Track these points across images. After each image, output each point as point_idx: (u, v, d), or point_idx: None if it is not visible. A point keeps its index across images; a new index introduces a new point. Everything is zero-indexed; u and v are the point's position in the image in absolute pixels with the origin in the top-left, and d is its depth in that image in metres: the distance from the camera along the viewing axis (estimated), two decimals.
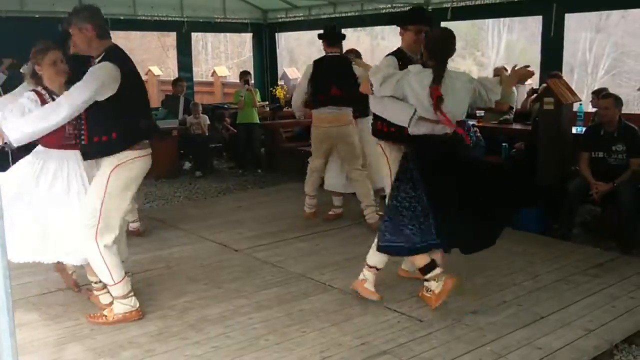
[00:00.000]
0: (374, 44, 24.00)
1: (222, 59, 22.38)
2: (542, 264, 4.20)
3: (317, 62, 5.11)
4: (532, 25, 17.97)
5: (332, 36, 5.06)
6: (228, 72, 13.14)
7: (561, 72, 6.34)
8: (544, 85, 5.45)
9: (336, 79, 4.92)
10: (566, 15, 6.36)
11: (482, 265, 4.16)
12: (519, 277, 3.97)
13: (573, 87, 5.46)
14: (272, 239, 4.87)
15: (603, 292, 3.70)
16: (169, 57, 18.90)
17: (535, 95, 6.25)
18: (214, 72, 12.48)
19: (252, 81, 8.67)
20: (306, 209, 5.45)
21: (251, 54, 11.01)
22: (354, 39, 24.77)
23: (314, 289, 3.85)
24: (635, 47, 18.02)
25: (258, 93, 8.39)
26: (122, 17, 8.19)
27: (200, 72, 18.41)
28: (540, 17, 6.61)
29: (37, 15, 7.19)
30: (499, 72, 6.75)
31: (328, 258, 4.43)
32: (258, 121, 8.12)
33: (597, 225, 5.00)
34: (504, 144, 6.14)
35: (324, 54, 5.12)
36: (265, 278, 4.04)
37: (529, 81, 7.89)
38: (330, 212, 5.42)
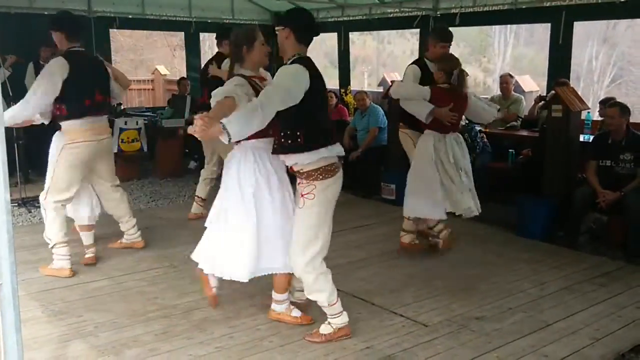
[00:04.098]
0: (380, 48, 24.03)
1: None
2: (548, 272, 4.18)
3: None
4: (539, 32, 17.98)
5: None
6: None
7: (569, 79, 6.32)
8: (553, 92, 5.42)
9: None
10: (575, 23, 6.33)
11: (488, 272, 4.14)
12: (524, 284, 3.95)
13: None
14: None
15: (609, 301, 3.67)
16: (176, 56, 18.91)
17: (542, 102, 6.23)
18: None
19: None
20: None
21: None
22: (360, 42, 24.86)
23: None
24: None
25: None
26: (130, 16, 8.22)
27: None
28: (548, 25, 6.59)
29: (45, 12, 7.19)
30: (505, 79, 6.76)
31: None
32: None
33: (603, 233, 4.97)
34: (510, 150, 6.11)
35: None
36: (269, 279, 4.01)
37: (536, 88, 7.95)
38: None
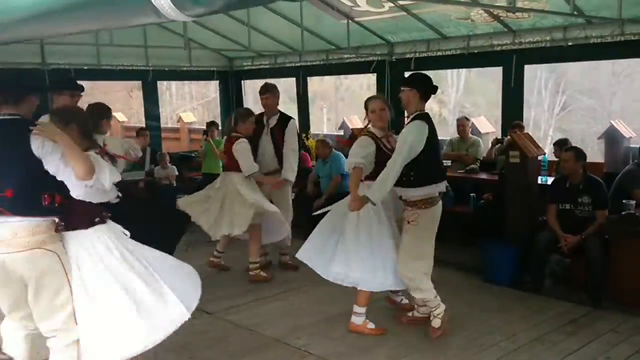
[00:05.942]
0: (337, 83, 24.42)
1: (187, 99, 22.28)
2: (518, 322, 4.21)
3: None
4: None
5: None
6: (194, 118, 13.05)
7: (522, 120, 6.53)
8: (509, 138, 5.58)
9: None
10: (525, 66, 6.58)
11: (460, 324, 4.14)
12: (497, 337, 3.96)
13: (531, 125, 5.62)
14: (246, 299, 4.76)
15: (579, 352, 3.72)
16: (133, 97, 18.69)
17: (499, 144, 6.39)
18: (180, 118, 12.37)
19: (220, 128, 8.61)
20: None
21: (217, 94, 10.98)
22: (317, 77, 25.21)
23: (290, 356, 3.75)
24: (589, 84, 18.83)
25: (222, 143, 8.28)
26: (85, 67, 8.08)
27: (165, 114, 18.23)
28: (500, 68, 6.82)
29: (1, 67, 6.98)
30: (461, 122, 6.91)
31: (304, 319, 4.34)
32: (220, 171, 8.00)
33: (567, 276, 5.06)
34: (472, 195, 6.22)
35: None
36: (238, 344, 3.92)
37: (492, 129, 8.18)
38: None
